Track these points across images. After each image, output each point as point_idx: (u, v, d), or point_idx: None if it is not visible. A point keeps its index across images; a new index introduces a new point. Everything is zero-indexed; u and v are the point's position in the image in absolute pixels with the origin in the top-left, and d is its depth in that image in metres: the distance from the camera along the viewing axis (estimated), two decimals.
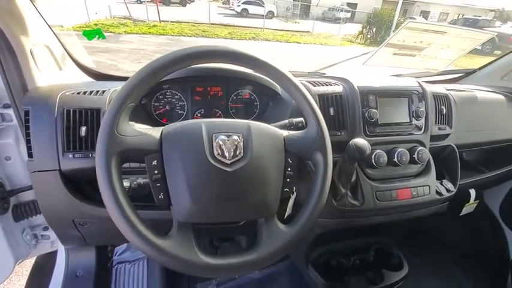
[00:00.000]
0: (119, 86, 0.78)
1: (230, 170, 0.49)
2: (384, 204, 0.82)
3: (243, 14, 14.94)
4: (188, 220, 0.49)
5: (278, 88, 0.83)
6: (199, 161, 0.49)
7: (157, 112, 0.82)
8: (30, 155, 0.66)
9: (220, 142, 0.50)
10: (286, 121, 0.70)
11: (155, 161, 0.49)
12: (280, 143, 0.55)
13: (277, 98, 0.86)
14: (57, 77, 0.79)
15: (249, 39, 9.13)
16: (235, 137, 0.51)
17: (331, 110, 0.80)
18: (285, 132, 0.58)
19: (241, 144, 0.51)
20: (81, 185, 0.72)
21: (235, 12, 15.55)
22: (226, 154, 0.50)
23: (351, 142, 0.69)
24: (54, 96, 0.68)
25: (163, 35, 8.13)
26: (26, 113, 0.66)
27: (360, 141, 0.68)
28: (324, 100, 0.80)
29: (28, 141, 0.66)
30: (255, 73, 0.80)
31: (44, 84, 0.73)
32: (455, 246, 1.46)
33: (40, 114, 0.66)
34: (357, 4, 18.79)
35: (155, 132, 0.51)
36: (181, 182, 0.48)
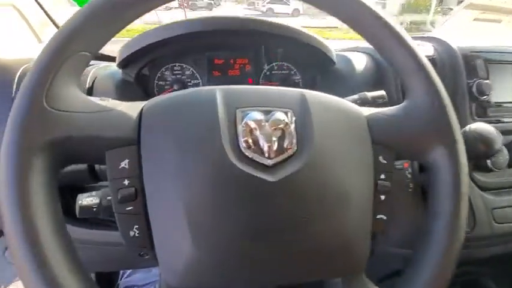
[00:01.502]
0: (106, 64, 0.57)
1: (273, 180, 0.24)
2: (507, 229, 0.52)
3: (269, 13, 14.77)
4: (188, 285, 0.24)
5: (332, 53, 0.57)
6: (210, 162, 0.24)
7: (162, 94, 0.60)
8: None
9: (252, 124, 0.25)
10: (355, 96, 0.43)
11: (125, 162, 0.25)
12: (362, 128, 0.29)
13: (329, 71, 0.59)
14: (34, 52, 0.59)
15: None
16: (280, 115, 0.26)
17: None
18: (365, 109, 0.31)
19: (292, 128, 0.26)
20: (62, 196, 0.51)
21: (261, 12, 15.43)
22: (265, 147, 0.25)
23: (467, 128, 0.41)
24: (13, 71, 0.47)
25: None
26: None
27: (483, 126, 0.40)
28: None
29: None
30: (300, 29, 0.54)
31: (4, 55, 0.53)
32: None
33: None
34: None
35: (129, 107, 0.27)
36: (174, 206, 0.24)
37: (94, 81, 0.50)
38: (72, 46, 0.25)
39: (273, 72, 0.62)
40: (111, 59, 0.68)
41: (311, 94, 0.29)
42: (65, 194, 0.52)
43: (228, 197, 0.24)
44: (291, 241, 0.24)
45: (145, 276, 0.95)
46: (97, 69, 0.52)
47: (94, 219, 0.54)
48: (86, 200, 0.30)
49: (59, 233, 0.22)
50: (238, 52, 0.60)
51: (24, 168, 0.22)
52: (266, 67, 0.62)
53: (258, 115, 0.26)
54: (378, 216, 0.28)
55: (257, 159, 0.25)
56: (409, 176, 0.47)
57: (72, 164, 0.26)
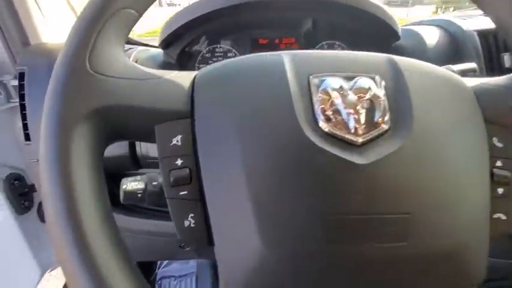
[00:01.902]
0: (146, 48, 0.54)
1: (363, 162, 0.19)
2: None
3: None
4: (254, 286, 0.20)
5: (398, 26, 0.49)
6: (282, 139, 0.19)
7: None
8: (26, 137, 0.46)
9: (332, 93, 0.20)
10: None
11: (178, 138, 0.21)
12: (471, 101, 0.23)
13: (391, 48, 0.52)
14: None
15: None
16: (366, 81, 0.21)
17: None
18: (467, 79, 0.24)
19: (383, 97, 0.20)
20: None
21: None
22: (350, 121, 0.19)
23: None
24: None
25: None
26: (21, 76, 0.45)
27: None
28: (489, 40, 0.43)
29: (23, 117, 0.45)
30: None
31: (52, 39, 0.53)
32: None
33: (39, 78, 0.45)
34: None
35: (180, 76, 0.23)
36: (237, 192, 0.19)
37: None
38: (117, 2, 0.21)
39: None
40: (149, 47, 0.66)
41: (400, 58, 0.23)
42: (108, 180, 0.50)
43: (304, 183, 0.18)
44: (386, 243, 0.18)
45: (182, 267, 0.95)
46: (138, 52, 0.50)
47: (132, 206, 0.52)
48: (131, 184, 0.26)
49: (105, 217, 0.19)
50: (284, 30, 0.55)
51: (65, 141, 0.18)
52: (317, 46, 0.56)
53: (338, 81, 0.20)
54: (495, 215, 0.21)
55: (341, 136, 0.19)
56: None
57: (118, 140, 0.23)
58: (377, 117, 0.20)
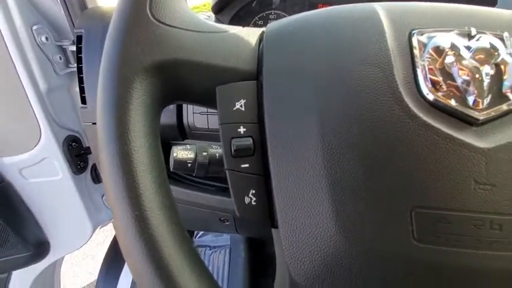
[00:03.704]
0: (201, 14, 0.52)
1: (484, 146, 0.14)
2: None
3: None
4: (320, 285, 0.17)
5: None
6: (375, 109, 0.16)
7: None
8: (83, 100, 0.47)
9: (445, 54, 0.15)
10: None
11: (241, 102, 0.19)
12: None
13: None
14: None
15: None
16: (492, 40, 0.16)
17: None
18: None
19: None
20: None
21: None
22: (468, 91, 0.15)
23: None
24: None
25: None
26: (78, 39, 0.46)
27: None
28: None
29: (80, 80, 0.47)
30: None
31: (108, 3, 0.53)
32: None
33: (95, 40, 0.45)
34: None
35: (246, 32, 0.20)
36: (310, 170, 0.16)
37: None
38: None
39: None
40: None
41: None
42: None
43: (400, 167, 0.15)
44: (496, 251, 0.14)
45: (217, 239, 0.97)
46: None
47: (175, 174, 0.52)
48: (182, 153, 0.25)
49: (162, 188, 0.17)
50: None
51: (123, 96, 0.17)
52: None
53: (452, 39, 0.16)
54: None
55: (454, 109, 0.15)
56: None
57: (177, 102, 0.21)
58: (506, 87, 0.15)
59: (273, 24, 0.21)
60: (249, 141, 0.18)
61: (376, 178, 0.15)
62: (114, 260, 0.86)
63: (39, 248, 0.71)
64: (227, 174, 0.19)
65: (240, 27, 0.21)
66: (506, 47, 0.16)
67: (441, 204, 0.14)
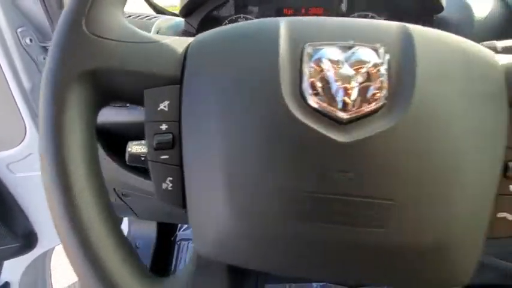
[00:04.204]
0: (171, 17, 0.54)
1: (344, 141, 0.17)
2: None
3: None
4: (219, 259, 0.20)
5: None
6: (263, 111, 0.19)
7: None
8: None
9: (325, 64, 0.18)
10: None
11: (165, 103, 0.22)
12: (495, 81, 0.19)
13: (431, 22, 0.45)
14: None
15: None
16: (367, 52, 0.18)
17: None
18: (503, 57, 0.21)
19: (383, 71, 0.18)
20: (122, 145, 0.54)
21: None
22: (339, 95, 0.18)
23: None
24: None
25: None
26: None
27: None
28: None
29: None
30: None
31: None
32: None
33: None
34: None
35: (177, 41, 0.23)
36: (213, 160, 0.19)
37: (157, 34, 0.49)
38: None
39: None
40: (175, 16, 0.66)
41: (417, 28, 0.20)
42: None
43: (280, 158, 0.18)
44: (361, 227, 0.17)
45: None
46: (160, 22, 0.50)
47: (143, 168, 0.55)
48: (135, 148, 0.27)
49: (93, 175, 0.20)
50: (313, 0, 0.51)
51: (58, 103, 0.20)
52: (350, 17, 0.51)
53: (334, 52, 0.19)
54: (501, 214, 0.19)
55: (326, 112, 0.18)
56: None
57: (111, 103, 0.24)
58: (371, 92, 0.18)
59: (200, 35, 0.23)
60: (169, 136, 0.21)
61: (263, 169, 0.18)
62: None
63: (28, 239, 0.74)
64: (149, 165, 0.22)
65: (175, 37, 0.24)
66: (379, 58, 0.19)
67: (313, 188, 0.17)
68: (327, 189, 0.17)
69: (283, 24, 0.20)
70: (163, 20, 0.51)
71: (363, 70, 0.18)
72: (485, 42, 0.30)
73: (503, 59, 0.20)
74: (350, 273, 0.18)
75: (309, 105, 0.18)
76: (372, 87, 0.18)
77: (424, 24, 0.44)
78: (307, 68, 0.19)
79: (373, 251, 0.18)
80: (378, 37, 0.19)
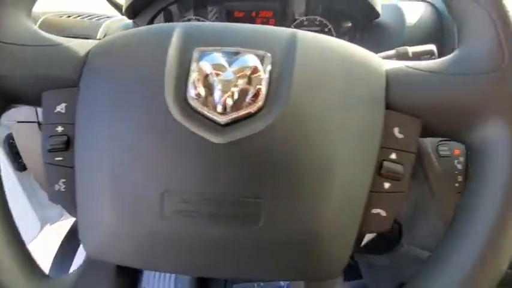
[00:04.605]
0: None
1: (218, 142, 0.18)
2: None
3: None
4: (104, 258, 0.20)
5: (378, 4, 0.44)
6: (145, 114, 0.19)
7: None
8: None
9: (208, 68, 0.19)
10: (390, 52, 0.32)
11: (62, 106, 0.21)
12: (374, 85, 0.20)
13: (370, 26, 0.47)
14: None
15: None
16: (251, 58, 0.19)
17: None
18: (390, 62, 0.22)
19: (265, 76, 0.19)
20: None
21: None
22: (218, 99, 0.18)
23: None
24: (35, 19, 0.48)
25: None
26: None
27: None
28: None
29: None
30: None
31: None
32: None
33: None
34: None
35: (80, 44, 0.23)
36: (99, 162, 0.20)
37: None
38: None
39: (302, 28, 0.52)
40: None
41: (307, 35, 0.21)
42: None
43: (159, 160, 0.18)
44: (235, 227, 0.18)
45: None
46: (110, 22, 0.50)
47: None
48: None
49: None
50: (262, 3, 0.52)
51: None
52: (295, 21, 0.52)
53: (219, 57, 0.19)
54: (375, 211, 0.20)
55: (206, 114, 0.18)
56: (460, 167, 0.35)
57: (14, 105, 0.24)
58: (250, 96, 0.18)
59: (104, 39, 0.23)
60: (63, 138, 0.21)
61: (140, 170, 0.18)
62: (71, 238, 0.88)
63: None
64: (45, 167, 0.22)
65: (79, 40, 0.24)
66: (262, 64, 0.19)
67: (184, 188, 0.18)
68: (202, 189, 0.18)
69: (178, 30, 0.21)
70: (113, 21, 0.51)
71: (244, 75, 0.19)
72: (399, 48, 0.32)
73: (387, 65, 0.21)
74: (226, 269, 0.19)
75: (192, 109, 0.19)
76: (251, 92, 0.18)
77: (364, 29, 0.46)
78: (193, 72, 0.19)
79: (246, 247, 0.18)
80: (266, 43, 0.20)
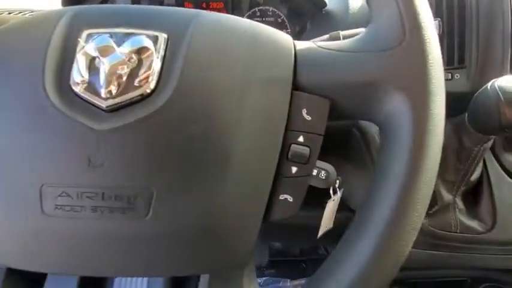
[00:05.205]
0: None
1: (98, 128, 0.16)
2: None
3: None
4: None
5: None
6: (24, 100, 0.17)
7: None
8: None
9: (94, 51, 0.17)
10: (324, 36, 0.32)
11: None
12: (281, 65, 0.19)
13: (320, 15, 0.47)
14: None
15: None
16: (142, 40, 0.18)
17: (437, 25, 0.38)
18: (302, 43, 0.21)
19: (157, 58, 0.18)
20: None
21: None
22: (103, 84, 0.17)
23: (489, 86, 0.28)
24: None
25: None
26: None
27: None
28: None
29: None
30: None
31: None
32: None
33: None
34: None
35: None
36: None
37: None
38: None
39: (255, 19, 0.51)
40: None
41: (209, 15, 0.20)
42: None
43: (37, 151, 0.17)
44: (121, 220, 0.17)
45: None
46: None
47: None
48: None
49: None
50: None
51: None
52: (248, 12, 0.51)
53: (108, 39, 0.18)
54: (282, 197, 0.19)
55: (88, 99, 0.17)
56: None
57: None
58: (138, 79, 0.17)
59: (4, 25, 0.22)
60: None
61: (17, 162, 0.17)
62: None
63: None
64: None
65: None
66: (155, 46, 0.18)
67: (63, 181, 0.16)
68: (83, 181, 0.16)
69: (68, 14, 0.19)
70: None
71: (134, 57, 0.17)
72: (332, 32, 0.31)
73: (299, 45, 0.21)
74: (117, 267, 0.18)
75: (76, 95, 0.17)
76: (140, 74, 0.17)
77: (314, 17, 0.45)
78: (80, 56, 0.18)
79: (135, 242, 0.17)
80: (162, 24, 0.19)
